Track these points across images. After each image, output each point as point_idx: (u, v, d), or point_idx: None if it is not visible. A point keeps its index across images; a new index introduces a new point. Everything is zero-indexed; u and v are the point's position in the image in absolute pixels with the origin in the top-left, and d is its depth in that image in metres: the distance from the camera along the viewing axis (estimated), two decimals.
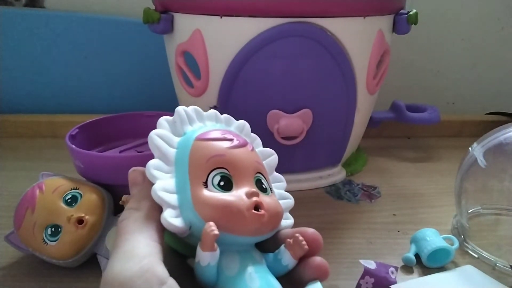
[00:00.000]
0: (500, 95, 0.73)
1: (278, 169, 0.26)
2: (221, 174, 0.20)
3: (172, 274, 0.19)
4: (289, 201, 0.25)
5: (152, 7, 0.45)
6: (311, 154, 0.46)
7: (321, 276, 0.21)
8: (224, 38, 0.41)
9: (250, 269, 0.20)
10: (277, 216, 0.21)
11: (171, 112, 0.45)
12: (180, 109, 0.23)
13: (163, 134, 0.21)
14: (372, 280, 0.29)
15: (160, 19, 0.43)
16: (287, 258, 0.21)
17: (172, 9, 0.43)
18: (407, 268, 0.35)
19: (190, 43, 0.42)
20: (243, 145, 0.22)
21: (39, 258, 0.32)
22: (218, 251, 0.19)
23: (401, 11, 0.46)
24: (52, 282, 0.32)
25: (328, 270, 0.21)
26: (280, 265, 0.21)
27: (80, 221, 0.31)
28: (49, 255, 0.32)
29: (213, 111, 0.24)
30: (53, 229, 0.32)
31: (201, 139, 0.21)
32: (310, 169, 0.48)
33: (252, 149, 0.23)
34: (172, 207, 0.20)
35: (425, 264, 0.34)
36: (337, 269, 0.34)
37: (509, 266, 0.33)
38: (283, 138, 0.43)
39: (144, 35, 0.54)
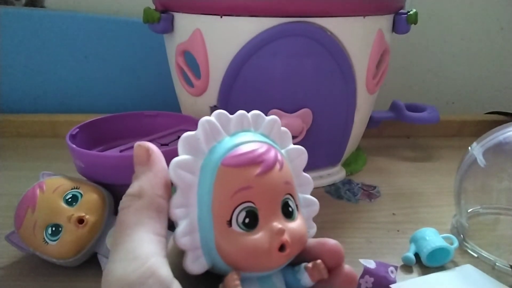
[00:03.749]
0: (499, 95, 0.73)
1: None
2: (246, 210, 0.19)
3: (179, 269, 0.18)
4: (314, 208, 0.23)
5: (152, 6, 0.45)
6: (311, 153, 0.46)
7: (348, 286, 0.20)
8: (224, 38, 0.41)
9: None
10: (301, 245, 0.20)
11: (171, 112, 0.45)
12: (204, 122, 0.20)
13: (185, 163, 0.19)
14: (372, 279, 0.29)
15: (160, 19, 0.43)
16: (305, 279, 0.20)
17: (172, 9, 0.44)
18: (407, 268, 0.35)
19: (190, 43, 0.42)
20: (272, 165, 0.20)
21: (39, 257, 0.32)
22: None
23: (401, 11, 0.47)
24: (53, 281, 0.33)
25: (356, 280, 0.20)
26: (299, 284, 0.21)
27: (81, 221, 0.31)
28: (50, 255, 0.32)
29: (240, 112, 0.22)
30: (53, 229, 0.32)
31: (227, 164, 0.19)
32: (310, 168, 0.47)
33: (281, 167, 0.20)
34: (194, 249, 0.19)
35: (425, 264, 0.34)
36: None
37: (509, 266, 0.33)
38: None
39: (144, 35, 0.54)
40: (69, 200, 0.33)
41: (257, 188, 0.19)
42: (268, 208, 0.19)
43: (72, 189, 0.33)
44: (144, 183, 0.19)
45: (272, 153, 0.20)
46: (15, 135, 0.61)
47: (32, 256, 0.34)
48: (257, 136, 0.21)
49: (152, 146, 0.20)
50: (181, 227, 0.18)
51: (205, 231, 0.19)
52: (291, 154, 0.23)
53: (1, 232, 0.34)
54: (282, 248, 0.19)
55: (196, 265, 0.19)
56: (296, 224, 0.20)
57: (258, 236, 0.19)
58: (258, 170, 0.19)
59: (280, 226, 0.19)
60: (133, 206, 0.19)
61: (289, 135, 0.23)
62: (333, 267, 0.21)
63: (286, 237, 0.19)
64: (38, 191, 0.33)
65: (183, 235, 0.18)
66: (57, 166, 0.42)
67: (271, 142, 0.21)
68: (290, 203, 0.21)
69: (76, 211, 0.32)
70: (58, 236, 0.31)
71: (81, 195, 0.33)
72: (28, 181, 0.34)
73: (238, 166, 0.19)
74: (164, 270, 0.17)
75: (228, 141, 0.20)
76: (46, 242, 0.32)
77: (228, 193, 0.19)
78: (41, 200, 0.32)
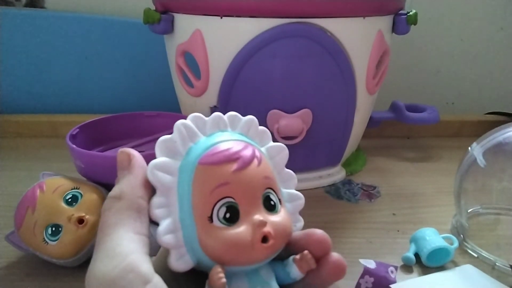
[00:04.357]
0: (499, 95, 0.73)
1: None
2: (226, 205, 0.19)
3: (168, 270, 0.18)
4: (299, 202, 0.24)
5: (153, 7, 0.45)
6: (311, 154, 0.46)
7: (337, 274, 0.21)
8: (224, 39, 0.41)
9: None
10: (285, 237, 0.21)
11: (171, 112, 0.45)
12: (179, 125, 0.20)
13: (163, 165, 0.20)
14: (372, 279, 0.29)
15: (161, 20, 0.43)
16: (294, 272, 0.21)
17: (172, 10, 0.44)
18: (407, 268, 0.35)
19: (190, 44, 0.42)
20: (249, 161, 0.20)
21: (39, 257, 0.32)
22: None
23: (401, 12, 0.47)
24: (53, 281, 0.33)
25: (345, 268, 0.21)
26: (288, 277, 0.21)
27: (81, 221, 0.32)
28: (50, 255, 0.32)
29: (216, 114, 0.22)
30: (53, 229, 0.32)
31: (204, 163, 0.20)
32: (310, 168, 0.48)
33: (260, 162, 0.21)
34: (178, 247, 0.19)
35: (425, 264, 0.34)
36: None
37: (509, 266, 0.33)
38: (283, 138, 0.43)
39: (144, 35, 0.54)
40: (69, 200, 0.33)
41: (236, 184, 0.20)
42: (249, 202, 0.20)
43: (72, 189, 0.33)
44: (124, 186, 0.20)
45: (249, 150, 0.21)
46: (15, 135, 0.61)
47: (32, 256, 0.34)
48: (234, 135, 0.22)
49: (133, 152, 0.21)
50: (162, 226, 0.19)
51: (187, 229, 0.19)
52: (271, 152, 0.23)
53: (1, 232, 0.34)
54: (264, 240, 0.19)
55: (180, 263, 0.19)
56: (279, 217, 0.21)
57: (240, 229, 0.19)
58: (234, 166, 0.20)
59: (261, 218, 0.20)
60: (114, 207, 0.19)
61: (268, 133, 0.24)
62: (321, 256, 0.21)
63: (268, 229, 0.19)
64: (38, 191, 0.33)
65: (165, 233, 0.19)
66: (57, 166, 0.42)
67: (249, 141, 0.22)
68: (272, 197, 0.21)
69: (76, 211, 0.32)
70: (58, 236, 0.31)
71: (81, 195, 0.33)
72: (28, 181, 0.34)
73: (214, 164, 0.20)
74: (145, 265, 0.17)
75: (204, 141, 0.21)
76: (46, 242, 0.32)
77: (207, 190, 0.19)
78: (41, 200, 0.32)
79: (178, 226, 0.19)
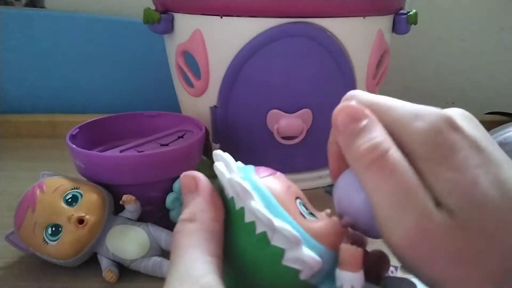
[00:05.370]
0: (499, 95, 0.73)
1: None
2: (301, 203, 0.20)
3: None
4: None
5: (153, 7, 0.45)
6: (311, 153, 0.46)
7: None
8: (224, 38, 0.41)
9: None
10: None
11: (171, 112, 0.45)
12: (221, 153, 0.21)
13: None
14: None
15: (161, 19, 0.43)
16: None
17: (172, 9, 0.44)
18: None
19: (190, 43, 0.42)
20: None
21: (39, 257, 0.32)
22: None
23: (401, 11, 0.47)
24: (53, 281, 0.33)
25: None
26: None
27: (81, 221, 0.32)
28: (50, 255, 0.32)
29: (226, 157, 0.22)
30: (53, 229, 0.32)
31: (264, 176, 0.20)
32: (310, 168, 0.48)
33: None
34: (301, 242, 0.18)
35: None
36: None
37: None
38: (283, 138, 0.43)
39: (144, 35, 0.54)
40: (69, 200, 0.33)
41: (294, 186, 0.21)
42: (306, 200, 0.21)
43: (72, 189, 0.33)
44: (194, 209, 0.19)
45: None
46: (15, 135, 0.61)
47: (32, 256, 0.34)
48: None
49: (198, 175, 0.20)
50: (282, 224, 0.18)
51: (297, 230, 0.19)
52: None
53: (1, 232, 0.34)
54: None
55: (314, 254, 0.18)
56: None
57: (323, 218, 0.20)
58: (282, 174, 0.21)
59: (328, 210, 0.21)
60: (185, 229, 0.19)
61: None
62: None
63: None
64: (38, 191, 0.33)
65: (287, 228, 0.18)
66: (57, 166, 0.42)
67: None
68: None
69: (76, 211, 0.32)
70: (58, 236, 0.31)
71: (81, 195, 0.33)
72: (28, 181, 0.34)
73: (269, 176, 0.21)
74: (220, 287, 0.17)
75: (240, 166, 0.21)
76: (46, 242, 0.32)
77: (284, 194, 0.20)
78: (41, 200, 0.32)
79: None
